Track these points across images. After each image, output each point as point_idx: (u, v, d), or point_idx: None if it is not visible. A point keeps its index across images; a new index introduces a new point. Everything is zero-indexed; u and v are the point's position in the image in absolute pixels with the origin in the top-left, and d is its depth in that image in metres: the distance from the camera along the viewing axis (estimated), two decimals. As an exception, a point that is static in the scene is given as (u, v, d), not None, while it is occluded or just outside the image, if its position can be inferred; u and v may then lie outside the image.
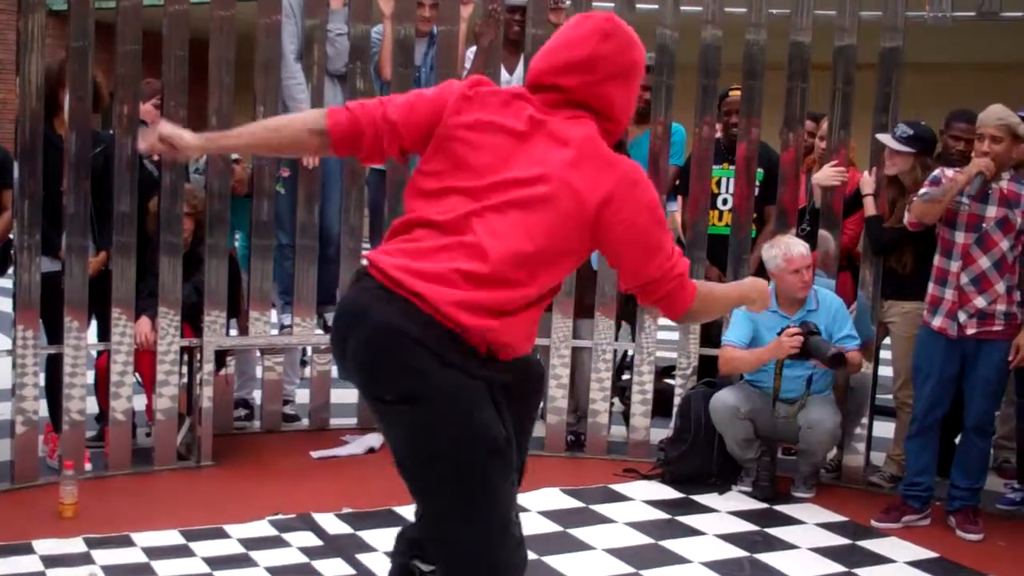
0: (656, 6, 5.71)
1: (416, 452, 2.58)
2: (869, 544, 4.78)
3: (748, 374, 5.44)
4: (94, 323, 5.53)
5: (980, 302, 4.85)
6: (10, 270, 5.26)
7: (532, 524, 4.80)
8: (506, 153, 2.59)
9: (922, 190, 4.94)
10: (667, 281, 2.67)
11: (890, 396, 5.78)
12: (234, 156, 5.89)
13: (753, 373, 5.40)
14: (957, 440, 5.24)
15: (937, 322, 4.93)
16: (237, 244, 6.13)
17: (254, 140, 2.82)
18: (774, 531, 4.88)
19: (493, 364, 2.58)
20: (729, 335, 5.39)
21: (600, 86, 2.66)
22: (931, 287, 4.99)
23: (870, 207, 5.46)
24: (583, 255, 2.69)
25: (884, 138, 5.32)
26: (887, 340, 5.71)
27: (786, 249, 5.29)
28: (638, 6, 5.72)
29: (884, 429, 5.92)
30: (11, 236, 5.17)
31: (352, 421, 6.31)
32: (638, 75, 2.74)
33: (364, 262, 2.65)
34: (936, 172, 4.98)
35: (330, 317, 5.71)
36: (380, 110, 2.72)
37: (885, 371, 5.85)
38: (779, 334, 5.20)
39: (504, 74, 6.02)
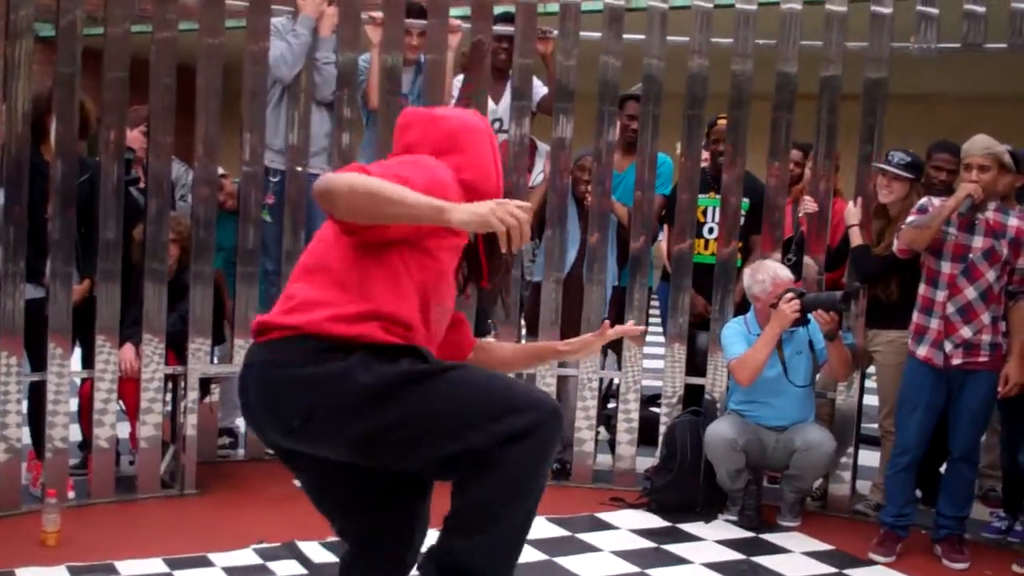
0: (643, 36, 5.74)
1: (362, 443, 2.62)
2: (856, 573, 4.77)
3: (736, 404, 5.43)
4: (78, 350, 5.50)
5: (966, 332, 4.86)
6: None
7: (518, 553, 4.79)
8: None
9: (910, 218, 4.97)
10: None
11: (875, 425, 5.79)
12: (221, 171, 5.91)
13: (744, 404, 5.39)
14: (941, 469, 5.25)
15: (923, 351, 4.94)
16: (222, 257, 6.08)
17: None
18: (761, 560, 4.86)
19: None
20: (729, 353, 5.37)
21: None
22: (916, 316, 5.01)
23: (856, 237, 5.48)
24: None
25: (884, 166, 5.33)
26: (871, 369, 5.72)
27: (774, 274, 5.32)
28: (625, 36, 5.75)
29: (868, 458, 5.92)
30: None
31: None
32: (459, 141, 2.83)
33: None
34: (923, 201, 5.01)
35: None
36: None
37: (870, 400, 5.85)
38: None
39: (490, 103, 6.04)
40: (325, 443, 2.68)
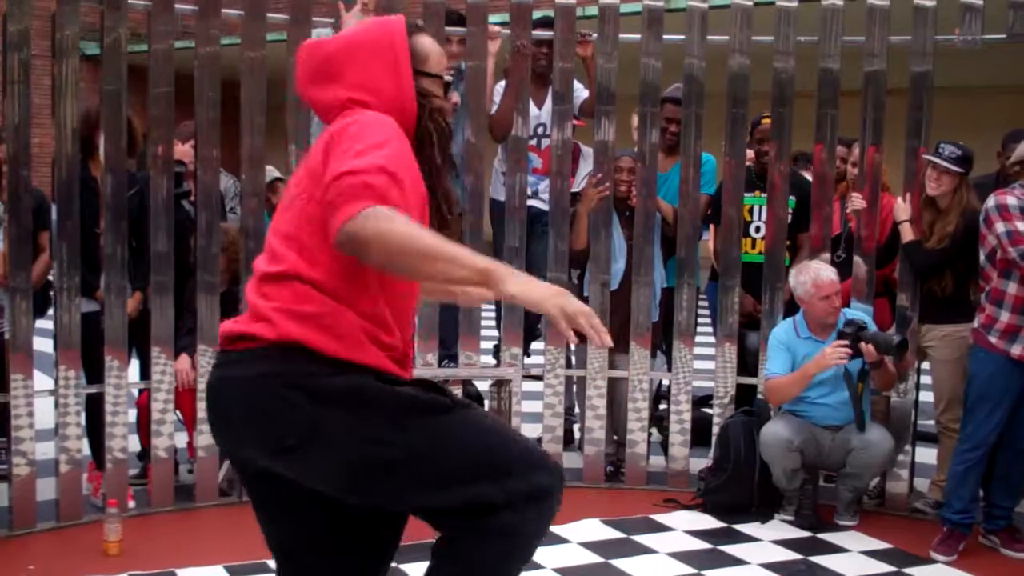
0: (683, 36, 5.73)
1: (360, 473, 2.37)
2: (916, 571, 4.73)
3: (790, 404, 5.40)
4: (135, 362, 5.57)
5: None
6: (50, 311, 5.31)
7: (573, 556, 4.79)
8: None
9: (1011, 225, 4.76)
10: (337, 183, 2.24)
11: (931, 422, 5.72)
12: (276, 174, 5.97)
13: (795, 403, 5.36)
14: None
15: (1018, 350, 4.81)
16: None
17: None
18: (819, 559, 4.83)
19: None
20: (769, 368, 5.36)
21: (311, 104, 2.61)
22: (1006, 315, 4.81)
23: (907, 233, 5.42)
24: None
25: (934, 158, 5.28)
26: (925, 365, 5.65)
27: (815, 275, 5.27)
28: (665, 37, 5.74)
29: (926, 455, 5.86)
30: (50, 278, 5.23)
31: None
32: (334, 66, 2.51)
33: None
34: (1013, 200, 4.76)
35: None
36: None
37: (924, 396, 5.79)
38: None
39: (533, 108, 6.05)
40: (318, 469, 2.39)
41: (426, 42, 2.59)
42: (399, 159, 2.32)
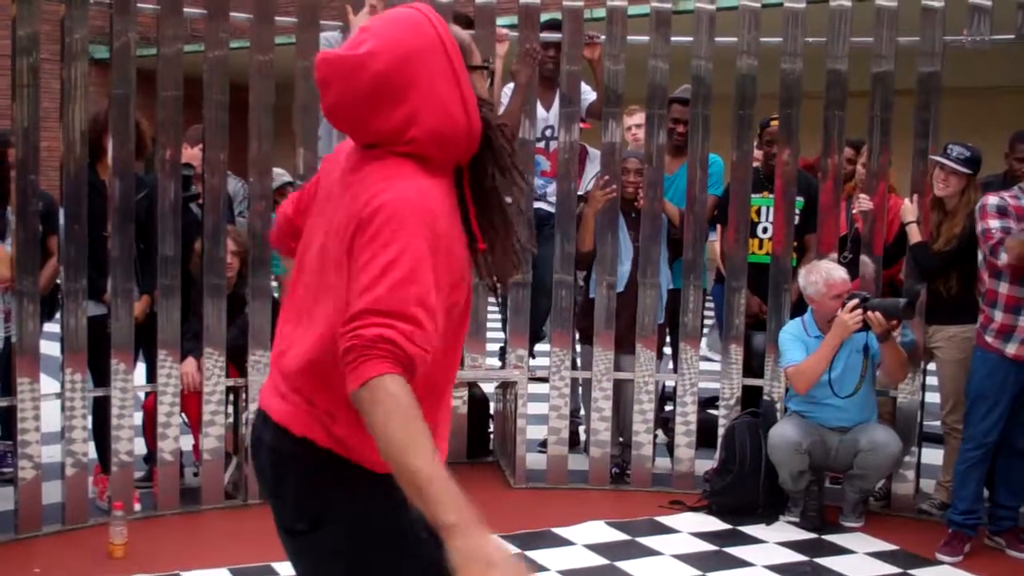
0: (691, 38, 5.73)
1: None
2: (921, 573, 4.73)
3: (796, 405, 5.39)
4: (141, 365, 5.58)
5: None
6: (57, 315, 5.33)
7: (578, 557, 4.80)
8: None
9: (995, 222, 4.81)
10: (358, 330, 1.91)
11: (937, 423, 5.72)
12: (285, 178, 5.98)
13: (805, 405, 5.35)
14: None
15: (1012, 349, 4.83)
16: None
17: None
18: (825, 561, 4.83)
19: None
20: (786, 359, 5.34)
21: (363, 136, 2.12)
22: (1000, 315, 4.85)
23: (914, 234, 5.41)
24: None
25: (942, 159, 5.27)
26: (932, 366, 5.65)
27: (827, 275, 5.27)
28: (673, 38, 5.74)
29: (932, 456, 5.85)
30: (58, 281, 5.25)
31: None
32: (395, 86, 2.03)
33: None
34: (996, 201, 4.85)
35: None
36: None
37: (930, 397, 5.78)
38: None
39: (540, 110, 6.06)
40: (312, 563, 2.22)
41: (457, 30, 2.16)
42: (431, 268, 1.96)
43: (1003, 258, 4.80)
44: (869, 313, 5.09)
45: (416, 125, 2.03)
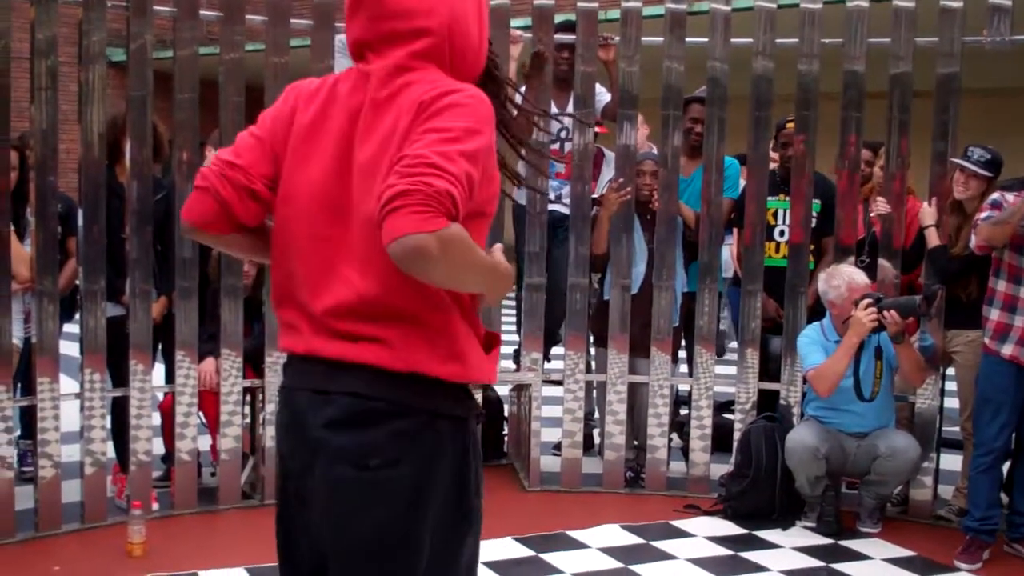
0: (706, 39, 5.71)
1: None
2: (937, 579, 4.70)
3: (814, 410, 5.37)
4: (160, 366, 5.62)
5: None
6: (77, 315, 5.37)
7: (592, 561, 4.80)
8: None
9: (984, 213, 4.87)
10: (416, 174, 1.89)
11: (956, 428, 5.68)
12: None
13: (823, 410, 5.33)
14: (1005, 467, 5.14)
15: (1008, 350, 4.83)
16: None
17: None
18: (841, 567, 4.81)
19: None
20: (806, 363, 5.30)
21: (383, 5, 2.12)
22: (996, 314, 4.89)
23: (933, 238, 5.38)
24: None
25: (962, 162, 5.24)
26: (950, 371, 5.61)
27: (849, 279, 5.24)
28: (688, 40, 5.73)
29: (951, 462, 5.81)
30: (77, 282, 5.29)
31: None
32: None
33: None
34: (995, 196, 4.92)
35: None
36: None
37: (949, 402, 5.75)
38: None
39: (555, 111, 6.05)
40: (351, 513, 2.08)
41: None
42: (486, 156, 2.02)
43: (973, 240, 4.91)
44: (884, 312, 5.06)
45: (439, 13, 2.09)
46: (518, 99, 2.31)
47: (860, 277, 5.28)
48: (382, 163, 2.01)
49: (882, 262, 5.61)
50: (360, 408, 2.05)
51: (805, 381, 5.42)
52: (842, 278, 5.27)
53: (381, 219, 1.85)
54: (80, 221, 5.13)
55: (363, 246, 2.05)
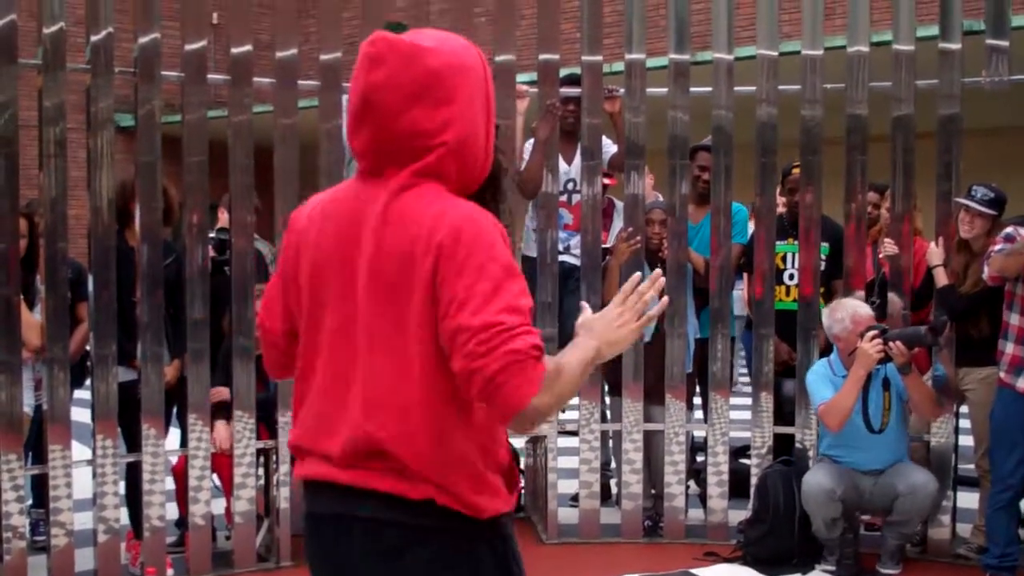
0: (710, 88, 5.76)
1: None
2: (963, 621, 4.66)
3: (827, 449, 5.35)
4: (175, 430, 5.59)
5: None
6: (88, 381, 5.36)
7: (615, 614, 4.75)
8: None
9: (998, 246, 4.89)
10: (495, 348, 1.95)
11: (971, 465, 5.65)
12: None
13: (835, 449, 5.31)
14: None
15: (1023, 384, 4.82)
16: None
17: None
18: (863, 611, 4.77)
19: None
20: (816, 398, 5.29)
21: (392, 127, 2.09)
22: (1011, 347, 4.88)
23: (941, 277, 5.40)
24: None
25: (966, 201, 5.26)
26: (964, 408, 5.60)
27: (853, 311, 5.25)
28: (692, 89, 5.77)
29: (967, 500, 5.78)
30: (88, 347, 5.28)
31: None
32: (445, 87, 2.08)
33: None
34: (1009, 229, 4.94)
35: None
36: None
37: (963, 440, 5.72)
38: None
39: (562, 164, 6.09)
40: None
41: None
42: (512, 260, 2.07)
43: (986, 271, 4.92)
44: (890, 343, 5.05)
45: (451, 131, 2.07)
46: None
47: (864, 309, 5.29)
48: (380, 287, 2.04)
49: (891, 296, 5.61)
50: (387, 535, 2.06)
51: (819, 421, 5.40)
52: (846, 311, 5.28)
53: (485, 398, 1.93)
54: (90, 286, 5.13)
55: (371, 374, 2.06)
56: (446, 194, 2.08)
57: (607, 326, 2.13)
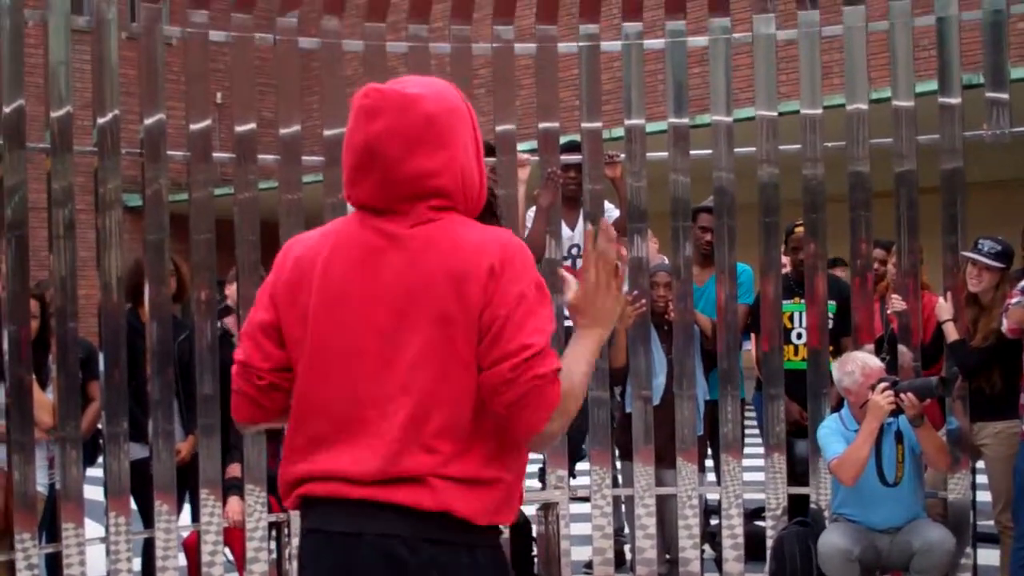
0: (710, 151, 5.80)
1: None
2: None
3: (839, 507, 5.30)
4: (188, 506, 5.59)
5: None
6: (100, 459, 5.37)
7: None
8: None
9: (1016, 298, 4.88)
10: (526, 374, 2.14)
11: (991, 522, 5.59)
12: None
13: (849, 507, 5.26)
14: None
15: None
16: None
17: None
18: (884, 673, 4.69)
19: None
20: (828, 453, 5.24)
21: (398, 172, 2.19)
22: None
23: (951, 332, 5.37)
24: None
25: (973, 255, 5.26)
26: (980, 464, 5.55)
27: (863, 364, 5.22)
28: (692, 152, 5.81)
29: (988, 556, 5.71)
30: (99, 426, 5.30)
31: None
32: (440, 129, 2.20)
33: None
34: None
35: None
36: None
37: (982, 496, 5.66)
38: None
39: (565, 229, 6.12)
40: None
41: None
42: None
43: (1005, 324, 4.90)
44: (901, 395, 5.03)
45: (449, 172, 2.20)
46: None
47: (874, 361, 5.26)
48: (452, 322, 2.13)
49: (901, 348, 5.59)
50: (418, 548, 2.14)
51: (833, 479, 5.36)
52: (855, 363, 5.25)
53: (506, 418, 2.12)
54: (101, 365, 5.17)
55: (414, 395, 2.15)
56: (473, 222, 2.24)
57: (598, 305, 2.23)
